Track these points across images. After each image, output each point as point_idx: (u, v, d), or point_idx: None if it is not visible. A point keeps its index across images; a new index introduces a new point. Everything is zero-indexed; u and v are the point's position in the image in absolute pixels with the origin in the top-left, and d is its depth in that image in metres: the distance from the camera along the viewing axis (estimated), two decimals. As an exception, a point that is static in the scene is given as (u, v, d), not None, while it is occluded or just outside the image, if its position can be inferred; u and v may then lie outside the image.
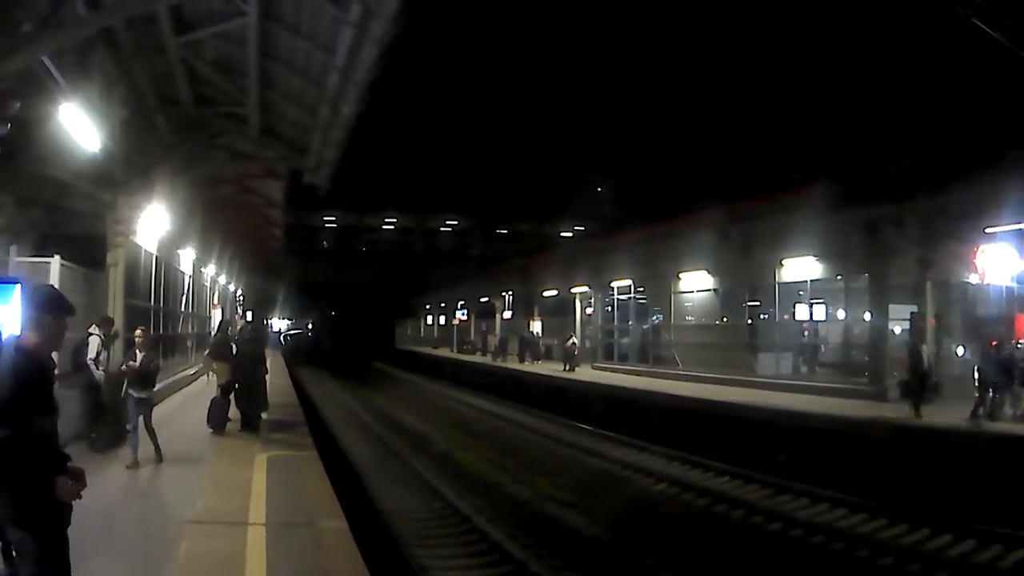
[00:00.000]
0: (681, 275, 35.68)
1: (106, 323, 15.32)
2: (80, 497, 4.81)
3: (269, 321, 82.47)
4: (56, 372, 5.33)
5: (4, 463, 4.41)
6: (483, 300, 67.29)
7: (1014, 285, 24.96)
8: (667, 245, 35.81)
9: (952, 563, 13.60)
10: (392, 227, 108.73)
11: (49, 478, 4.60)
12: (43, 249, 16.66)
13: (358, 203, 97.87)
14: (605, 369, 40.60)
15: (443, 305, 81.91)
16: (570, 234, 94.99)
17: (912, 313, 24.28)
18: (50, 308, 4.98)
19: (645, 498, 19.05)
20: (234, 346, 18.71)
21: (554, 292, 51.62)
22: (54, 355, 5.56)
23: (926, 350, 21.43)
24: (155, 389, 14.53)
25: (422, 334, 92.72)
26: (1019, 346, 21.01)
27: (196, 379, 27.53)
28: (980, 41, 24.34)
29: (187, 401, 23.21)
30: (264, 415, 18.95)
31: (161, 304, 25.09)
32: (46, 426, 4.73)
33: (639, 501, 18.70)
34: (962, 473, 16.90)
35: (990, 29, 23.42)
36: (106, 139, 14.94)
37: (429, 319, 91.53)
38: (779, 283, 29.81)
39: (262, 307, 73.41)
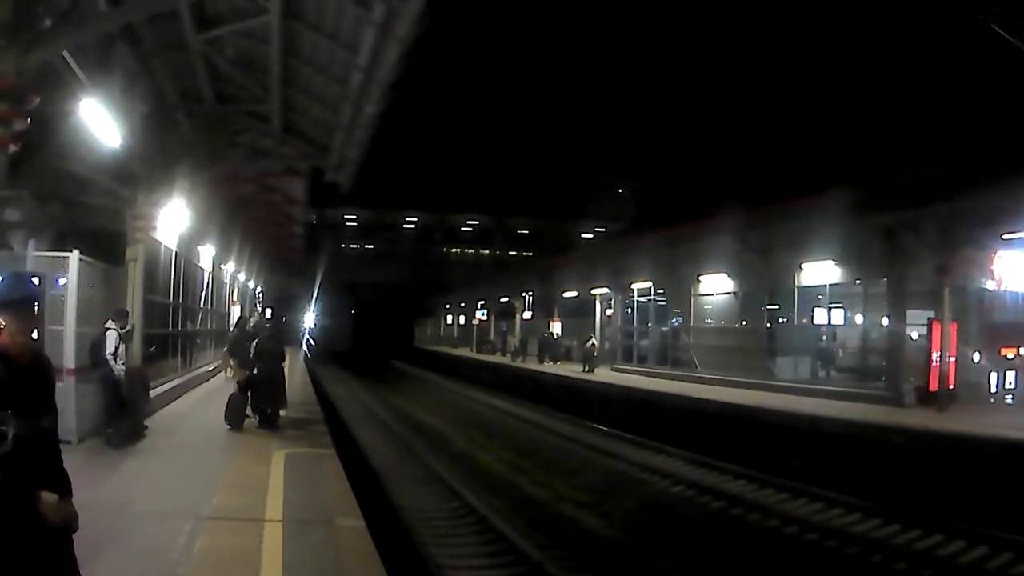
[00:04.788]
0: (701, 278, 35.60)
1: (121, 315, 15.35)
2: (69, 525, 4.45)
3: (286, 318, 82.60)
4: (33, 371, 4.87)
5: None
6: (503, 300, 67.29)
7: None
8: (687, 248, 35.69)
9: (966, 568, 13.54)
10: (413, 226, 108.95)
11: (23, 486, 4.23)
12: (62, 244, 16.71)
13: (379, 201, 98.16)
14: (624, 371, 40.54)
15: (463, 305, 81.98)
16: (591, 235, 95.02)
17: None
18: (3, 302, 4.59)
19: (661, 500, 18.98)
20: (253, 343, 18.72)
21: (574, 293, 51.63)
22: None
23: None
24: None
25: (441, 333, 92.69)
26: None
27: (215, 375, 27.63)
28: (999, 47, 24.21)
29: (205, 397, 23.30)
30: (283, 412, 18.98)
31: (180, 300, 25.19)
32: (20, 430, 4.26)
33: (655, 503, 18.63)
34: (981, 480, 16.83)
35: (1009, 35, 23.29)
36: (126, 135, 15.02)
37: (449, 319, 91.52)
38: (798, 287, 29.72)
39: (281, 304, 73.63)
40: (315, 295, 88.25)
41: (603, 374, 39.59)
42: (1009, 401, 24.81)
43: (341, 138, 20.11)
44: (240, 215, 32.06)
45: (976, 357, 25.78)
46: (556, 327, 54.33)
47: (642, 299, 41.66)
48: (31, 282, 4.84)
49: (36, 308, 4.75)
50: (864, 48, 66.18)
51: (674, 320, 39.39)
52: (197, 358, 28.67)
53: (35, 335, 4.76)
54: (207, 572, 8.00)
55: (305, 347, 75.27)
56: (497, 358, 59.38)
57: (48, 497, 4.28)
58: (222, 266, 34.81)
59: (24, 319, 4.55)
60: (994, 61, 30.70)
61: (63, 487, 4.48)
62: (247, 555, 8.52)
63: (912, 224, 24.01)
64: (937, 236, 23.50)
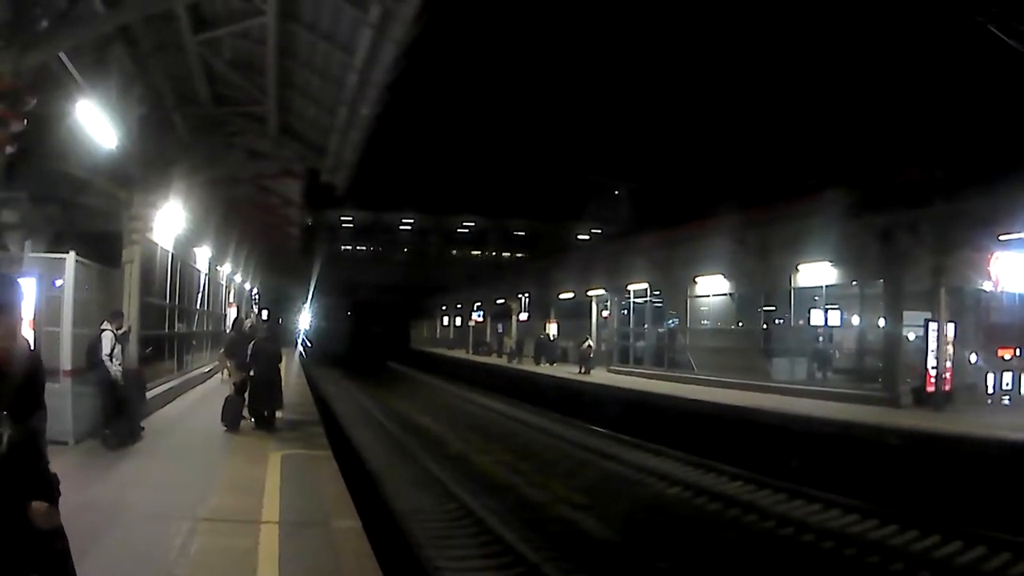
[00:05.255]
0: (697, 279, 35.60)
1: (116, 317, 15.32)
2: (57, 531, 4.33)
3: (282, 320, 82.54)
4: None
5: None
6: (499, 302, 67.25)
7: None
8: (684, 249, 35.73)
9: (964, 569, 13.57)
10: (409, 227, 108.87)
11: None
12: (58, 245, 16.68)
13: (376, 203, 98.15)
14: (620, 372, 40.54)
15: (459, 306, 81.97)
16: (587, 237, 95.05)
17: None
18: None
19: (658, 501, 18.99)
20: (250, 345, 18.67)
21: (570, 295, 51.59)
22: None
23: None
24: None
25: (438, 335, 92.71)
26: None
27: (211, 377, 27.60)
28: (996, 48, 24.20)
29: (202, 399, 23.26)
30: (279, 413, 18.95)
31: (177, 302, 25.14)
32: (14, 434, 4.15)
33: (652, 504, 18.63)
34: (978, 481, 16.83)
35: (1006, 36, 23.29)
36: (123, 137, 14.99)
37: (445, 320, 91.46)
38: (795, 288, 29.70)
39: (277, 306, 73.59)
40: (311, 296, 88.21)
41: (599, 376, 39.57)
42: (1006, 402, 24.84)
43: (337, 139, 20.06)
44: (236, 217, 32.00)
45: (973, 358, 25.81)
46: (552, 329, 54.34)
47: (638, 300, 41.62)
48: (16, 284, 4.69)
49: (21, 310, 4.62)
50: (861, 48, 66.20)
51: (670, 321, 39.34)
52: (194, 360, 28.61)
53: (26, 338, 4.69)
54: (203, 574, 7.99)
55: (301, 348, 75.31)
56: (493, 360, 59.36)
57: (39, 506, 4.20)
58: (218, 268, 34.74)
59: (9, 323, 4.44)
60: (991, 62, 30.71)
61: (50, 492, 4.37)
62: (244, 556, 8.50)
63: (909, 225, 24.01)
64: (934, 237, 23.52)
